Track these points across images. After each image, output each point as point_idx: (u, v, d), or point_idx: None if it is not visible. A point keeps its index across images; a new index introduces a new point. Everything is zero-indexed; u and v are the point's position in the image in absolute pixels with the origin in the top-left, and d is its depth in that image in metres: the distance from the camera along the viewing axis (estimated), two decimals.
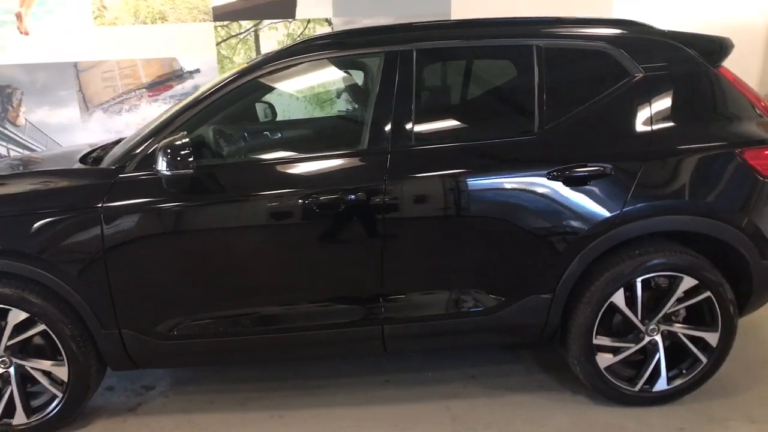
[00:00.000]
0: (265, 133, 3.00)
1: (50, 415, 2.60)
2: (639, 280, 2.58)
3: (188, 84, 4.64)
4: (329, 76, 3.31)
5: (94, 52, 4.54)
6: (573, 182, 2.49)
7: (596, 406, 2.78)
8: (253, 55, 4.55)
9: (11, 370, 2.56)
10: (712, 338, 2.67)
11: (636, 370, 2.74)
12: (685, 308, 2.73)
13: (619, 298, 2.59)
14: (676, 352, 2.73)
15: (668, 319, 2.69)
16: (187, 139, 2.33)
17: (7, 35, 4.46)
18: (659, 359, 2.69)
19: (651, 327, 2.66)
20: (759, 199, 2.58)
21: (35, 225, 2.43)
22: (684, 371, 2.73)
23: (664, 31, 2.70)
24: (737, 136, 2.57)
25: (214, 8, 4.52)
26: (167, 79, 4.64)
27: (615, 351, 2.68)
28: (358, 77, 3.10)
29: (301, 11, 4.55)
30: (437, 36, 2.62)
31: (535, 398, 2.86)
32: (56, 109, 4.64)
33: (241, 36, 4.58)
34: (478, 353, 3.25)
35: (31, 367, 2.57)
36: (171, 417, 2.80)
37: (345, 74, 3.07)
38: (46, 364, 2.58)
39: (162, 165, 2.31)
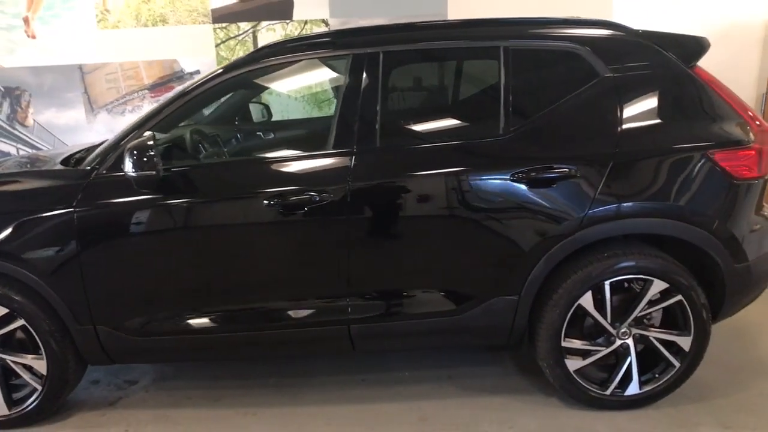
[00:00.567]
0: (238, 134, 3.05)
1: (30, 407, 2.71)
2: (607, 282, 2.55)
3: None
4: (302, 78, 3.34)
5: (98, 55, 4.67)
6: (538, 184, 2.48)
7: (568, 410, 2.76)
8: None
9: None
10: (685, 342, 2.63)
11: (608, 374, 2.71)
12: (661, 312, 2.71)
13: (587, 300, 2.57)
14: (649, 356, 2.69)
15: (640, 322, 2.65)
16: (152, 141, 2.39)
17: (15, 39, 4.62)
18: (631, 363, 2.65)
19: (622, 330, 2.63)
20: (731, 202, 2.53)
21: (13, 224, 2.52)
22: (657, 375, 2.69)
23: (636, 31, 2.66)
24: (708, 138, 2.51)
25: (213, 10, 4.60)
26: (168, 80, 4.75)
27: (584, 354, 2.66)
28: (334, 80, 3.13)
29: (298, 12, 4.60)
30: (403, 39, 2.63)
31: (507, 400, 2.85)
32: (63, 110, 4.79)
33: (240, 37, 4.66)
34: (459, 353, 3.26)
35: (12, 361, 2.68)
36: (148, 411, 2.88)
37: (318, 76, 3.11)
38: (27, 358, 2.68)
39: (128, 166, 2.38)
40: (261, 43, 4.69)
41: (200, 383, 3.10)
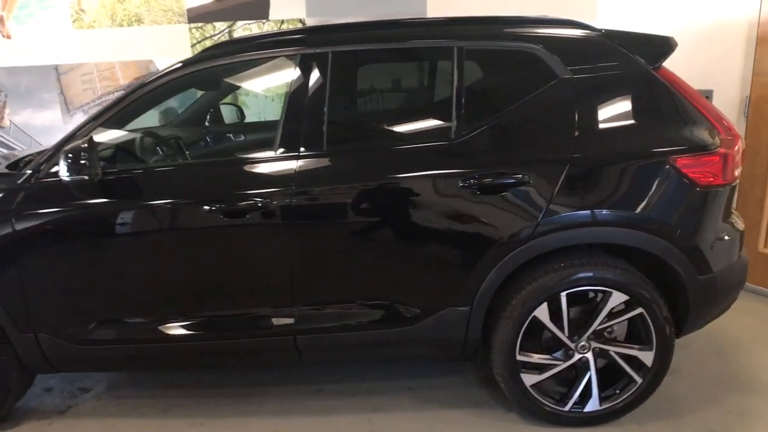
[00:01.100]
0: (193, 138, 2.97)
1: None
2: (563, 294, 2.43)
3: None
4: (251, 79, 3.25)
5: (74, 55, 4.62)
6: (488, 190, 2.37)
7: (526, 426, 2.65)
8: None
9: None
10: (647, 357, 2.51)
11: (568, 389, 2.60)
12: (626, 326, 2.59)
13: (542, 312, 2.45)
14: (613, 371, 2.58)
15: (600, 336, 2.54)
16: (88, 144, 2.31)
17: None
18: (590, 378, 2.54)
19: (581, 344, 2.51)
20: (694, 210, 2.40)
21: None
22: (618, 391, 2.57)
23: (599, 30, 2.54)
24: (671, 143, 2.38)
25: (189, 10, 4.53)
26: None
27: (541, 368, 2.55)
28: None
29: (274, 12, 4.51)
30: (354, 39, 2.52)
31: (464, 414, 2.74)
32: (39, 111, 4.74)
33: (216, 37, 4.57)
34: (422, 363, 3.16)
35: None
36: (96, 421, 2.81)
37: (267, 77, 3.01)
38: None
39: (63, 170, 2.31)
40: None
41: (153, 392, 3.03)
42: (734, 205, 2.66)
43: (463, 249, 2.42)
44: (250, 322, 2.53)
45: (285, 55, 2.54)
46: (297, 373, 3.11)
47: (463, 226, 2.41)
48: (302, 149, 2.44)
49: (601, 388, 2.56)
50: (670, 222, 2.38)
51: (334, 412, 2.80)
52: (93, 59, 4.63)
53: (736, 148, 2.47)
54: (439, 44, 2.49)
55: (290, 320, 2.50)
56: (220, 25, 4.56)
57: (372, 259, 2.46)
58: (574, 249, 2.49)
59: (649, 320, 2.46)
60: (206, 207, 2.41)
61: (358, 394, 2.94)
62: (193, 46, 4.61)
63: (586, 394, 2.56)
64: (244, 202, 2.39)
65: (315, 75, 2.47)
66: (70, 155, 2.30)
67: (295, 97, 2.48)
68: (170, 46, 4.61)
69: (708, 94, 3.85)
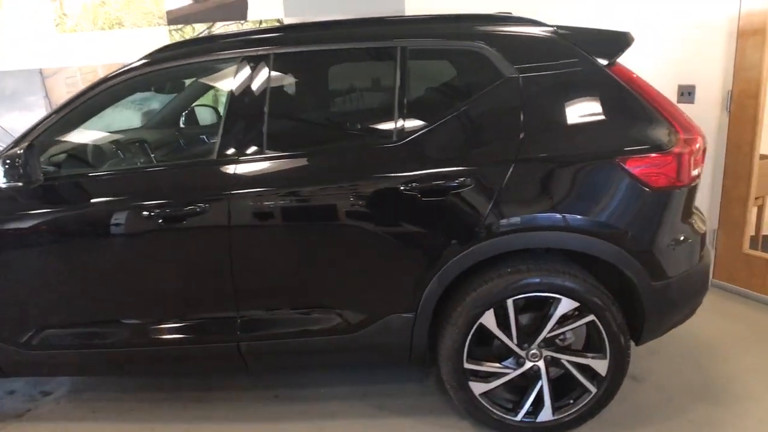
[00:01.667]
0: (142, 142, 2.95)
1: None
2: (510, 300, 2.35)
3: None
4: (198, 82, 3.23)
5: (57, 59, 4.66)
6: (429, 194, 2.29)
7: None
8: None
9: None
10: (601, 366, 2.41)
11: (520, 398, 2.52)
12: (585, 334, 2.50)
13: (489, 319, 2.38)
14: (569, 381, 2.49)
15: (552, 343, 2.45)
16: (24, 150, 2.31)
17: None
18: (542, 387, 2.45)
19: (532, 352, 2.43)
20: (646, 213, 2.29)
21: None
22: (571, 401, 2.48)
23: (551, 26, 2.44)
24: (620, 143, 2.28)
25: (168, 12, 4.53)
26: None
27: (490, 376, 2.47)
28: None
29: (252, 12, 4.49)
30: (296, 40, 2.47)
31: (417, 422, 2.68)
32: (26, 114, 4.79)
33: None
34: (381, 369, 3.10)
35: None
36: (51, 425, 2.81)
37: (211, 80, 2.98)
38: None
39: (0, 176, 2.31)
40: None
41: (113, 395, 3.03)
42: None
43: (405, 254, 2.35)
44: (193, 328, 2.50)
45: (228, 58, 2.50)
46: (258, 379, 3.08)
47: (405, 231, 2.34)
48: (242, 153, 2.40)
49: (555, 397, 2.47)
50: (620, 226, 2.27)
51: (287, 418, 2.76)
52: (76, 63, 4.67)
53: (696, 147, 2.35)
54: (382, 44, 2.43)
55: (234, 327, 2.46)
56: (200, 27, 4.55)
57: (314, 266, 2.41)
58: (528, 254, 2.41)
59: (601, 328, 2.37)
60: (145, 213, 2.38)
61: (314, 400, 2.89)
62: None
63: (539, 404, 2.48)
64: (183, 208, 2.36)
65: (256, 77, 2.43)
66: (8, 161, 2.30)
67: (237, 99, 2.44)
68: (151, 48, 4.59)
69: (690, 90, 3.72)
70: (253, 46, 2.47)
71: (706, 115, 3.64)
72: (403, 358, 2.52)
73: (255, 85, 2.43)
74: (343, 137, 2.55)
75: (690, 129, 2.37)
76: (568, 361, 2.43)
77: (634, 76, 2.41)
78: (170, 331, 2.51)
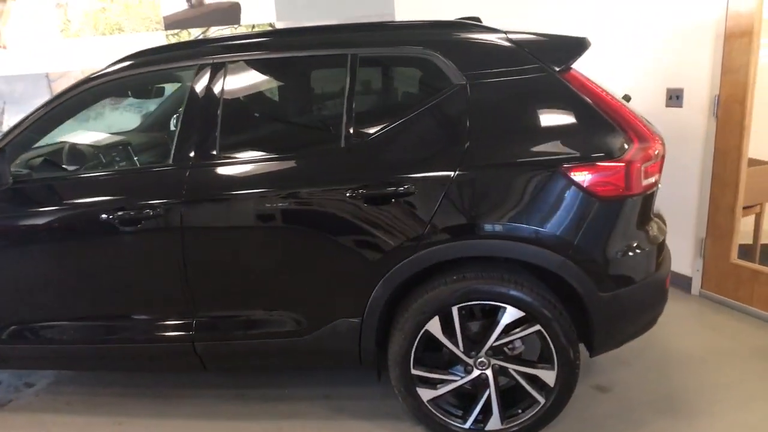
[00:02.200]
0: (114, 147, 3.05)
1: None
2: (455, 308, 2.35)
3: None
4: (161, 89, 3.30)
5: (62, 63, 4.84)
6: (374, 202, 2.31)
7: None
8: None
9: None
10: (548, 377, 2.39)
11: (469, 405, 2.51)
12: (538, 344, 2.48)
13: (435, 326, 2.38)
14: (516, 390, 2.47)
15: (500, 352, 2.44)
16: None
17: None
18: (491, 396, 2.45)
19: (480, 360, 2.42)
20: (593, 223, 2.26)
21: None
22: (521, 411, 2.47)
23: (502, 32, 2.42)
24: (566, 151, 2.25)
25: (165, 18, 4.65)
26: None
27: (439, 383, 2.48)
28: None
29: (245, 17, 4.57)
30: (249, 47, 2.52)
31: (373, 426, 2.70)
32: None
33: None
34: (348, 373, 3.12)
35: None
36: (27, 416, 2.94)
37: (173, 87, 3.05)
38: None
39: None
40: None
41: (89, 389, 3.15)
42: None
43: (350, 260, 2.38)
44: (152, 327, 2.58)
45: (184, 66, 2.57)
46: (228, 378, 3.15)
47: (350, 237, 2.37)
48: (194, 158, 2.46)
49: (505, 406, 2.46)
50: (564, 236, 2.25)
51: (248, 417, 2.82)
52: (79, 67, 4.84)
53: (651, 154, 2.30)
54: (332, 51, 2.45)
55: (190, 327, 2.54)
56: (195, 32, 4.66)
57: (262, 269, 2.46)
58: (484, 261, 2.40)
59: (548, 338, 2.34)
60: (103, 216, 2.47)
61: (276, 400, 2.95)
62: None
63: (488, 413, 2.47)
64: (139, 211, 2.44)
65: (210, 84, 2.49)
66: None
67: (192, 106, 2.50)
68: None
69: (678, 93, 3.64)
70: (209, 55, 2.52)
71: (694, 119, 3.55)
72: (353, 361, 2.55)
73: (209, 92, 2.48)
74: (294, 143, 2.59)
75: (646, 136, 2.32)
76: (516, 371, 2.42)
77: (588, 82, 2.37)
78: (128, 329, 2.60)
